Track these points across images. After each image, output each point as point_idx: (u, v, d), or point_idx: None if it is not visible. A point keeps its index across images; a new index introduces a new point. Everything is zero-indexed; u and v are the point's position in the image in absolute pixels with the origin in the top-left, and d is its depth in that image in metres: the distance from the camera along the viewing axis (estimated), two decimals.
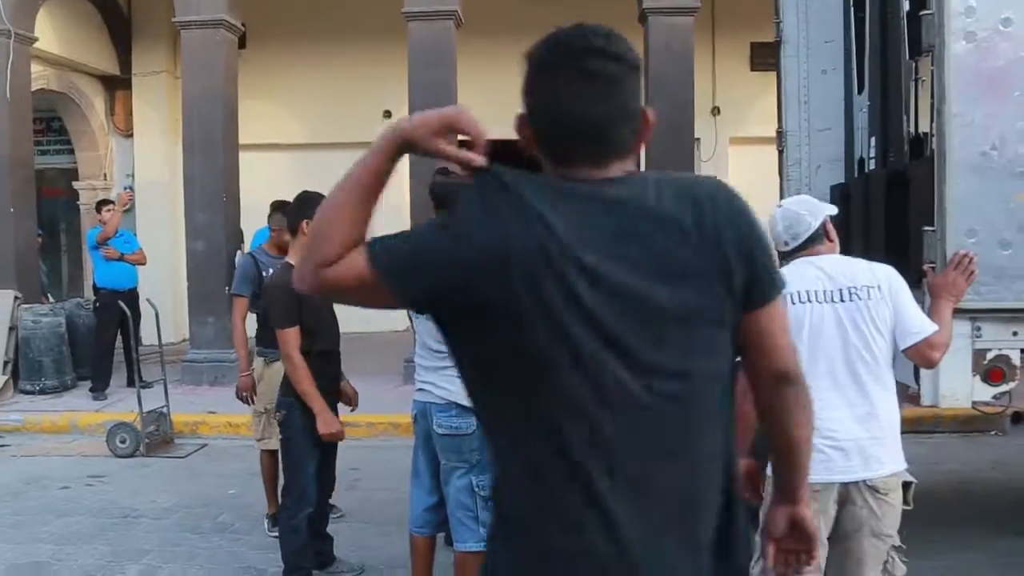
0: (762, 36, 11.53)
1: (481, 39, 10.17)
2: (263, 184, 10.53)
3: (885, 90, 4.88)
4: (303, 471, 3.99)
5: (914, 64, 4.50)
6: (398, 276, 1.51)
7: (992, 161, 2.92)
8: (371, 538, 4.91)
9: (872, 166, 5.05)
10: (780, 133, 5.84)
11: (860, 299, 2.73)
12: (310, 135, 11.68)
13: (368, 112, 11.54)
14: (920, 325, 2.74)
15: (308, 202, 4.12)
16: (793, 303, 2.74)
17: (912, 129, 4.51)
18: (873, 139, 5.07)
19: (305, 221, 4.04)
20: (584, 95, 1.50)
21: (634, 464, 1.46)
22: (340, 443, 4.18)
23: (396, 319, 9.32)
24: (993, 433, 6.94)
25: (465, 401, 3.24)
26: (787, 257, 2.88)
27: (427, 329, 3.45)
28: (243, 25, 9.72)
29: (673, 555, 1.48)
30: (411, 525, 3.76)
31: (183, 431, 7.24)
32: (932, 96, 4.16)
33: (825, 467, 2.61)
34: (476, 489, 3.38)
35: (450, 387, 3.36)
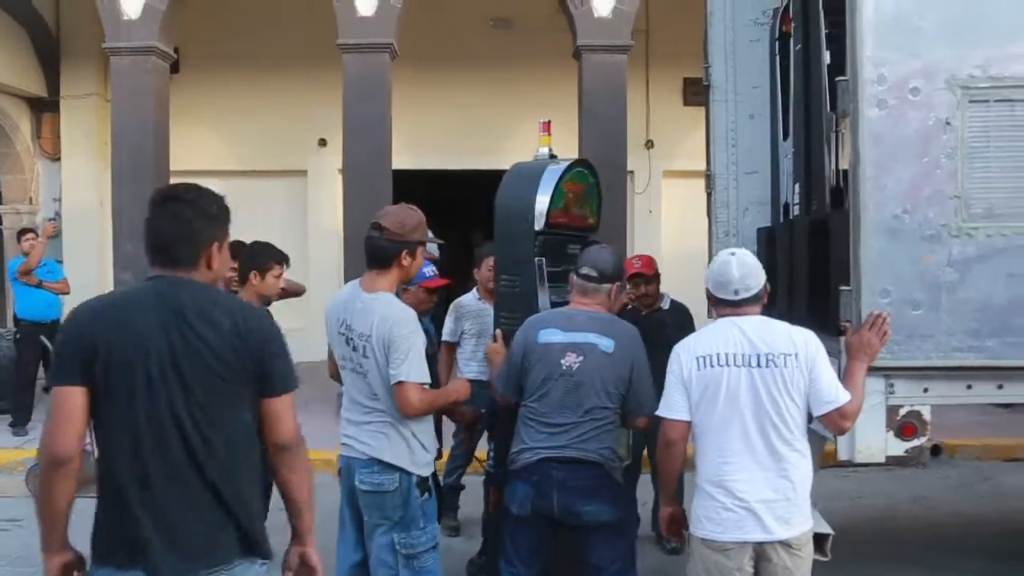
0: (695, 72, 11.71)
1: (416, 69, 10.20)
2: None
3: (808, 138, 5.01)
4: None
5: (835, 116, 4.65)
6: None
7: (904, 224, 3.03)
8: None
9: (796, 212, 5.18)
10: (708, 176, 5.94)
11: (776, 366, 2.80)
12: (243, 162, 11.54)
13: (303, 140, 11.48)
14: (834, 394, 2.82)
15: (260, 253, 4.11)
16: (712, 365, 2.84)
17: (832, 180, 4.63)
18: (797, 185, 5.20)
19: (254, 272, 4.04)
20: (160, 223, 2.34)
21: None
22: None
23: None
24: (914, 465, 7.14)
25: (388, 457, 3.27)
26: (723, 306, 2.93)
27: (356, 383, 3.40)
28: (175, 50, 9.59)
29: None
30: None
31: None
32: (848, 151, 4.33)
33: (737, 527, 2.77)
34: (397, 547, 3.32)
35: (372, 443, 3.31)
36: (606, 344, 3.34)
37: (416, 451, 3.30)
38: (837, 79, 3.26)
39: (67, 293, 8.45)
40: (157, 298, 2.25)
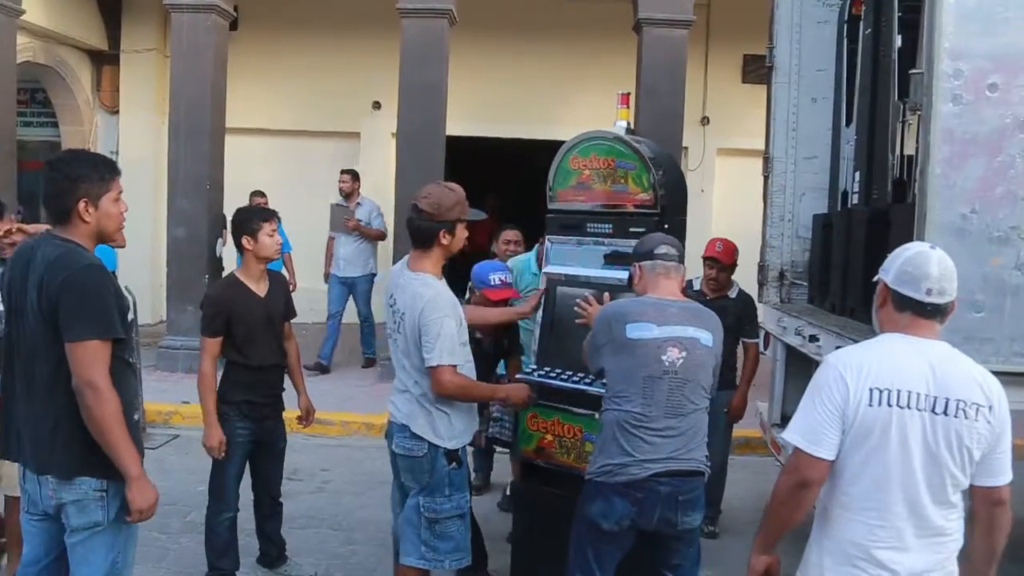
0: (755, 48, 11.53)
1: (474, 36, 10.12)
2: (245, 169, 10.49)
3: (872, 126, 4.90)
4: (222, 474, 4.14)
5: (902, 106, 4.53)
6: None
7: (971, 223, 2.94)
8: (336, 546, 4.92)
9: (855, 200, 5.08)
10: (767, 159, 5.85)
11: (967, 418, 2.25)
12: (297, 122, 11.58)
13: (357, 103, 11.47)
14: (1006, 469, 2.35)
15: (244, 219, 4.17)
16: (888, 404, 2.25)
17: (896, 171, 4.53)
18: (858, 173, 5.10)
19: (246, 238, 4.10)
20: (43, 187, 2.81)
21: None
22: (312, 441, 4.35)
23: (376, 311, 9.30)
24: None
25: (415, 427, 3.39)
26: (901, 310, 2.34)
27: (397, 352, 3.53)
28: (235, 8, 9.62)
29: None
30: (392, 528, 3.84)
31: (154, 420, 7.21)
32: (917, 144, 4.21)
33: None
34: (422, 510, 3.45)
35: (404, 409, 3.48)
36: (706, 338, 3.10)
37: (440, 425, 3.42)
38: (911, 72, 3.16)
39: (122, 246, 8.58)
40: (28, 252, 2.78)
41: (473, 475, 5.41)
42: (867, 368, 2.29)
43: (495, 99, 11.21)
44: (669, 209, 3.94)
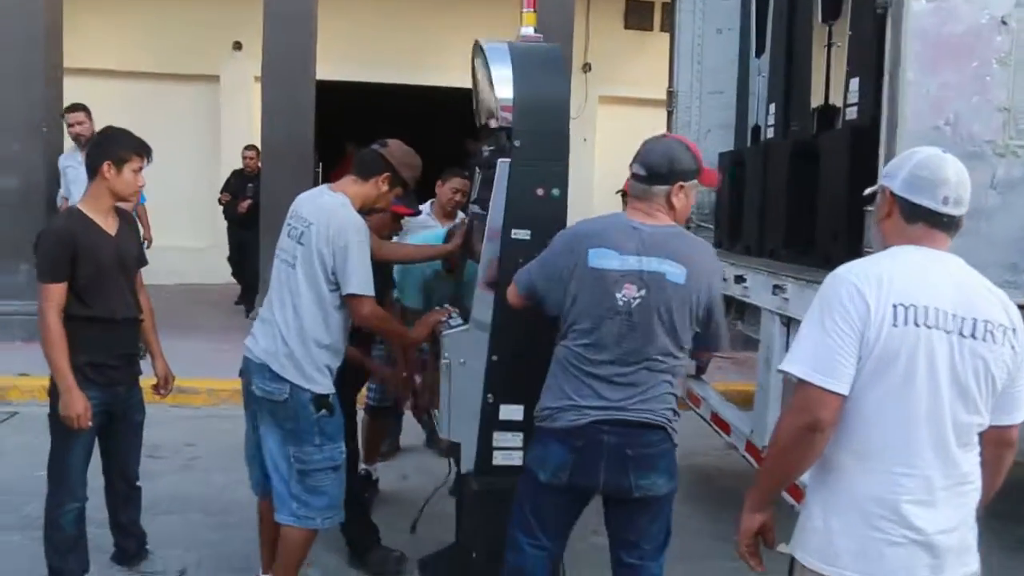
0: None
1: None
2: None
3: (790, 54, 4.60)
4: (66, 455, 3.42)
5: (828, 29, 4.23)
6: None
7: (944, 137, 2.61)
8: (207, 532, 4.28)
9: (770, 135, 4.79)
10: (671, 93, 5.53)
11: (994, 342, 1.91)
12: (149, 63, 10.52)
13: (215, 42, 10.53)
14: (1021, 405, 2.02)
15: (114, 140, 3.41)
16: (914, 322, 1.87)
17: (822, 99, 4.24)
18: (772, 106, 4.80)
19: (108, 163, 3.33)
20: None
21: None
22: (174, 412, 3.70)
23: None
24: None
25: (276, 367, 2.96)
26: (912, 221, 1.99)
27: (281, 274, 3.25)
28: None
29: None
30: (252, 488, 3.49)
31: None
32: (848, 64, 3.91)
33: (906, 568, 1.90)
34: (291, 460, 3.19)
35: (266, 346, 3.19)
36: (676, 273, 2.55)
37: (305, 367, 3.15)
38: None
39: None
40: None
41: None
42: (887, 280, 1.90)
43: (367, 42, 10.47)
44: (522, 134, 3.06)
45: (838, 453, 1.96)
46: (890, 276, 1.91)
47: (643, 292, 2.54)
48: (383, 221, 3.77)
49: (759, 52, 5.13)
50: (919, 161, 1.99)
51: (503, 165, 3.02)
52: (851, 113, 3.77)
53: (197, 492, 4.78)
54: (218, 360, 7.29)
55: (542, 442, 2.68)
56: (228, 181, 9.41)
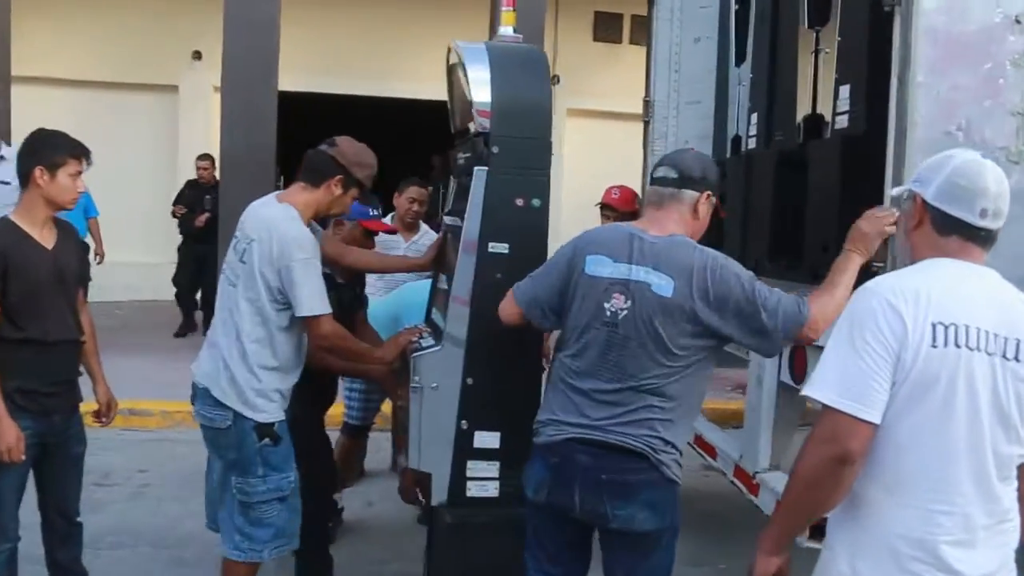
0: (608, 5, 11.16)
1: None
2: (40, 126, 9.06)
3: (773, 62, 4.44)
4: None
5: (815, 35, 4.07)
6: None
7: (957, 143, 2.43)
8: (159, 568, 3.98)
9: (752, 145, 4.63)
10: (647, 102, 5.36)
11: None
12: (103, 72, 10.18)
13: (174, 52, 10.21)
14: None
15: (47, 143, 3.11)
16: (955, 343, 1.69)
17: (809, 107, 4.07)
18: (754, 115, 4.64)
19: (40, 168, 3.02)
20: None
21: None
22: (126, 436, 3.44)
23: None
24: None
25: (217, 393, 2.92)
26: (944, 234, 1.81)
27: (224, 295, 3.02)
28: None
29: None
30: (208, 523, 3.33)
31: None
32: (838, 70, 3.74)
33: None
34: (234, 492, 2.99)
35: (205, 368, 3.01)
36: (663, 284, 2.34)
37: (248, 392, 2.93)
38: None
39: None
40: None
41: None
42: (925, 296, 1.71)
43: (333, 52, 10.22)
44: (500, 140, 2.84)
45: (867, 487, 1.75)
46: (927, 291, 1.72)
47: (629, 303, 2.37)
48: (352, 236, 3.56)
49: (739, 61, 4.98)
50: (956, 167, 1.81)
51: (480, 173, 2.80)
52: (841, 122, 3.62)
53: (148, 524, 4.47)
54: (172, 379, 6.96)
55: (531, 458, 2.56)
56: (182, 192, 8.86)
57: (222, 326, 3.01)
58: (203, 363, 3.05)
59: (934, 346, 1.68)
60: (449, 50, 3.12)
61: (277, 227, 2.89)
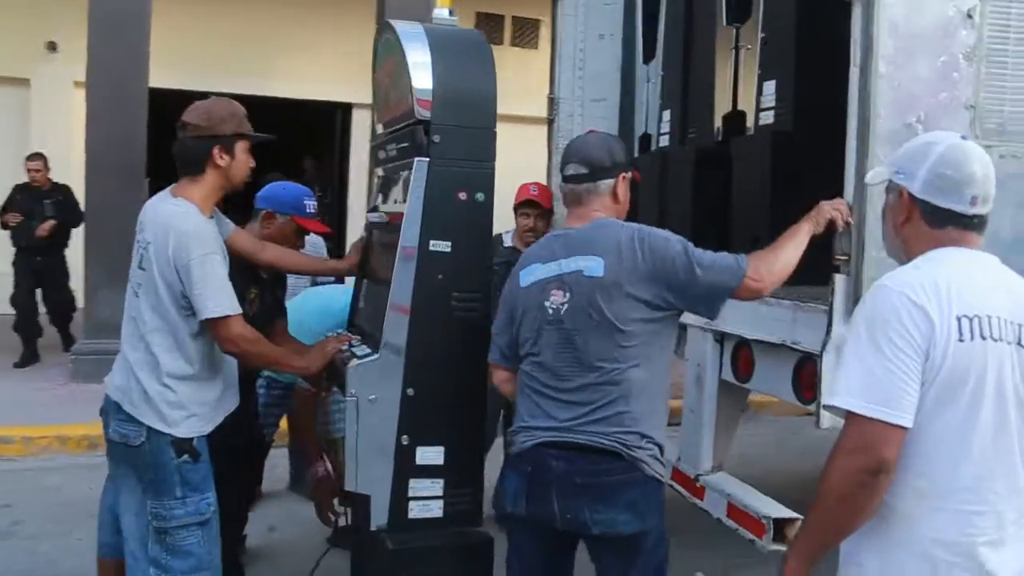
0: (490, 6, 11.04)
1: None
2: None
3: (687, 59, 4.41)
4: None
5: (735, 32, 4.05)
6: None
7: (916, 135, 2.38)
8: None
9: (664, 142, 4.58)
10: (552, 99, 5.24)
11: None
12: None
13: (24, 42, 9.42)
14: None
15: None
16: (981, 335, 1.62)
17: (729, 104, 4.05)
18: (667, 113, 4.60)
19: None
20: None
21: None
22: None
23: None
24: None
25: (128, 407, 2.67)
26: (936, 226, 1.74)
27: (131, 303, 2.77)
28: None
29: None
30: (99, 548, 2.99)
31: None
32: (761, 66, 3.72)
33: None
34: (150, 518, 2.70)
35: (117, 381, 2.74)
36: (593, 266, 2.29)
37: (162, 405, 2.68)
38: None
39: None
40: None
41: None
42: (945, 289, 1.63)
43: (207, 33, 9.67)
44: (442, 129, 2.61)
45: (894, 494, 1.64)
46: (947, 284, 1.64)
47: (568, 296, 2.31)
48: (283, 232, 3.29)
49: (647, 58, 4.95)
50: (941, 156, 1.73)
51: (420, 164, 2.57)
52: (766, 117, 3.60)
53: (19, 566, 3.97)
54: (34, 401, 6.40)
55: (505, 470, 2.48)
56: (11, 198, 7.70)
57: (128, 337, 2.77)
58: (115, 375, 2.80)
59: (961, 340, 1.60)
60: (379, 32, 2.88)
61: (172, 224, 2.65)
